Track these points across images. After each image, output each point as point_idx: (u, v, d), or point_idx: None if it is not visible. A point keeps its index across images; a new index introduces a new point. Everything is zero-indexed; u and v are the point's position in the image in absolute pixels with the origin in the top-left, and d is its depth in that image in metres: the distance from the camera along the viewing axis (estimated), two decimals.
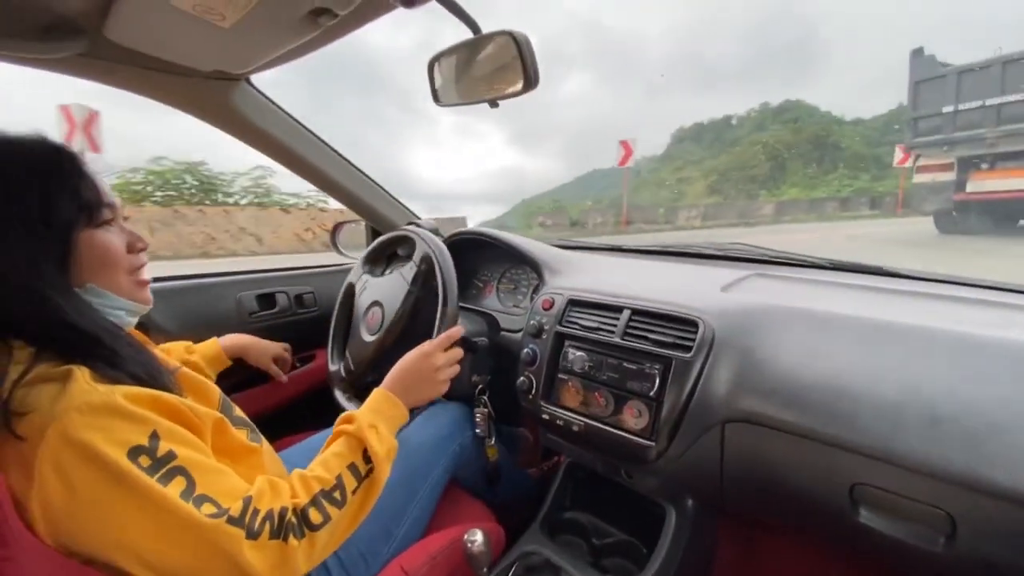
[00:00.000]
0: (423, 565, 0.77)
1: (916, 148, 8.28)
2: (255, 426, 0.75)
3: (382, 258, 1.14)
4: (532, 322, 1.00)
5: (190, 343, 1.01)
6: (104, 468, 0.46)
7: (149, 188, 9.61)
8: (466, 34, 0.69)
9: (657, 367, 0.80)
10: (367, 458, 0.65)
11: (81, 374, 0.49)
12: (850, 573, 0.90)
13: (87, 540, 0.48)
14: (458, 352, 0.87)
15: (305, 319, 1.36)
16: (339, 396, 1.03)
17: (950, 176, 7.77)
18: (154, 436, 0.49)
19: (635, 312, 0.87)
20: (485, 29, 0.67)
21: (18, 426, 0.46)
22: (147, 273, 0.65)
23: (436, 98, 0.80)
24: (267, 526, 0.53)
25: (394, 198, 1.40)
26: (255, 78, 1.01)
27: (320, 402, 1.19)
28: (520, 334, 1.07)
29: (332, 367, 1.08)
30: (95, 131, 5.97)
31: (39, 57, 0.78)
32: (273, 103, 1.07)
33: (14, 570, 0.45)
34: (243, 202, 10.36)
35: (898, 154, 14.11)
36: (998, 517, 0.53)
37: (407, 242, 1.08)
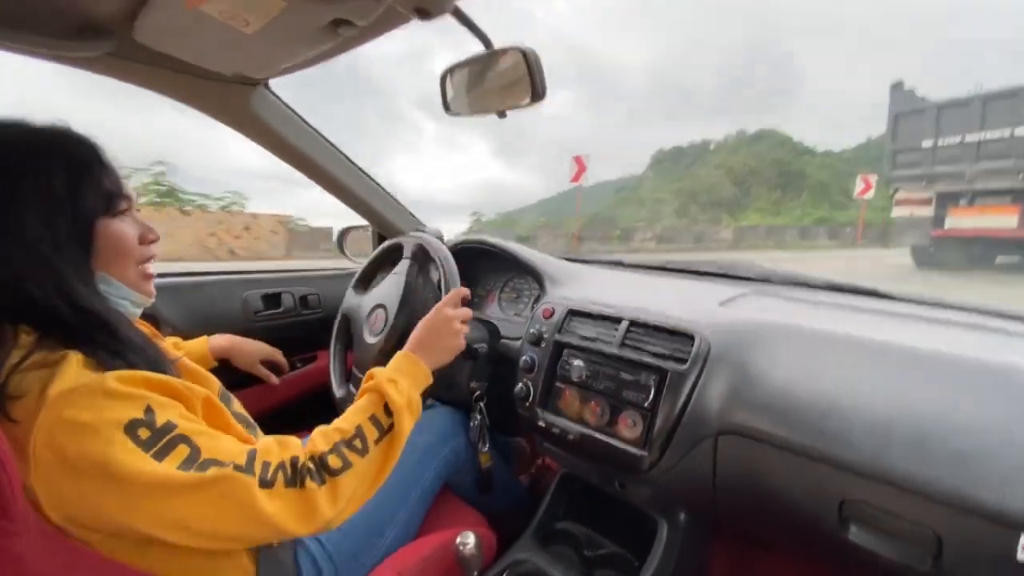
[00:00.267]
0: (415, 567, 0.78)
1: (895, 182, 8.23)
2: (254, 423, 0.75)
3: (372, 277, 1.16)
4: (532, 330, 1.02)
5: (179, 339, 1.00)
6: (100, 445, 0.46)
7: None
8: (477, 47, 0.72)
9: (653, 378, 0.81)
10: (388, 411, 0.66)
11: (75, 359, 0.49)
12: None
13: (95, 513, 0.48)
14: (467, 311, 0.88)
15: (309, 320, 1.38)
16: (335, 376, 1.04)
17: (928, 211, 7.71)
18: (149, 410, 0.49)
19: (633, 323, 0.88)
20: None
21: (12, 410, 0.47)
22: (153, 267, 0.66)
23: (447, 107, 0.83)
24: (280, 475, 0.54)
25: (402, 205, 1.43)
26: (273, 83, 1.05)
27: (320, 403, 1.21)
28: (520, 342, 1.08)
29: (338, 393, 1.08)
30: None
31: (70, 55, 0.82)
32: (290, 108, 1.10)
33: (20, 545, 0.46)
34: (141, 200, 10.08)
35: (859, 184, 13.94)
36: (983, 538, 0.53)
37: (397, 250, 1.12)
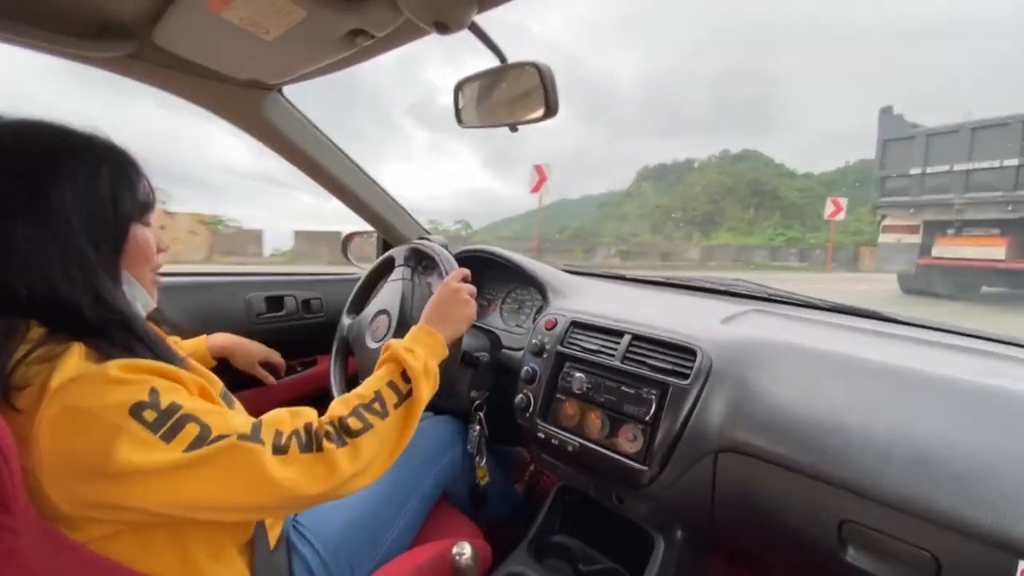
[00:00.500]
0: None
1: (882, 208, 8.18)
2: None
3: (364, 301, 1.16)
4: (534, 341, 1.02)
5: (178, 338, 1.00)
6: (106, 431, 0.46)
7: None
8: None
9: (654, 392, 0.82)
10: (406, 378, 0.67)
11: (78, 350, 0.50)
12: None
13: (101, 499, 0.48)
14: (471, 287, 0.89)
15: (311, 324, 1.39)
16: (335, 386, 1.04)
17: (915, 239, 7.65)
18: (153, 392, 0.49)
19: (635, 337, 0.89)
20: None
21: (17, 400, 0.47)
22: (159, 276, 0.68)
23: (459, 119, 0.84)
24: (294, 441, 0.54)
25: (408, 213, 1.44)
26: (286, 89, 1.06)
27: (319, 407, 1.20)
28: (520, 352, 1.09)
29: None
30: None
31: (90, 55, 0.83)
32: (301, 114, 1.12)
33: (18, 541, 0.45)
34: None
35: (829, 206, 13.78)
36: (981, 560, 0.53)
37: (388, 265, 1.14)
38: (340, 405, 0.62)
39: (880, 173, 8.08)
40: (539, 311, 1.24)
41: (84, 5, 0.73)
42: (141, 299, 0.63)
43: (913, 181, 7.55)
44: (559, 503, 1.06)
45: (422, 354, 0.71)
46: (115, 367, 0.49)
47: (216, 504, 0.50)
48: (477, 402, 1.07)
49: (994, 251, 6.82)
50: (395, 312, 1.02)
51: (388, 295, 1.08)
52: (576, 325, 0.99)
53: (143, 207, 0.61)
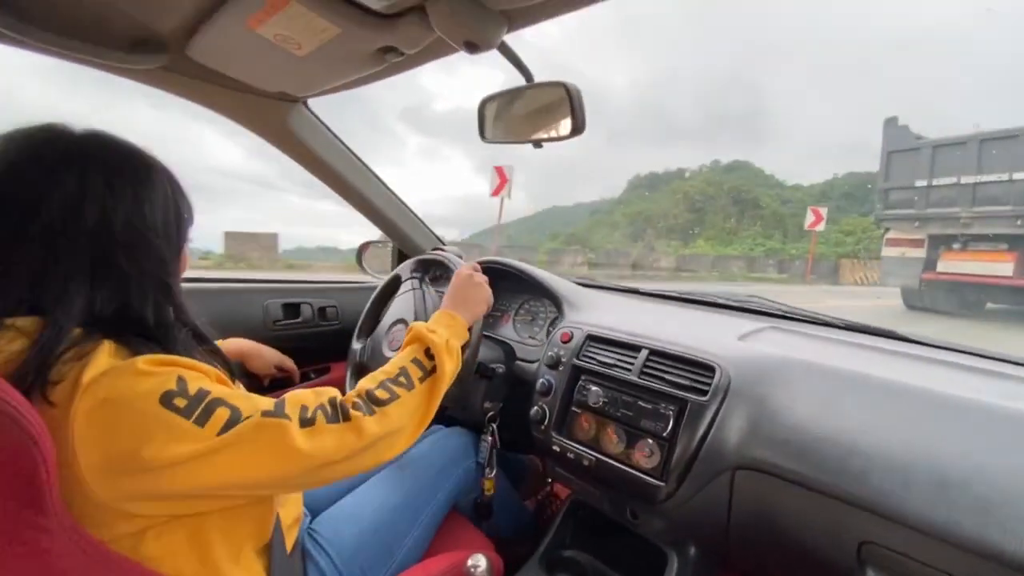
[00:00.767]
0: None
1: (886, 221, 8.01)
2: None
3: (372, 326, 1.17)
4: (550, 353, 1.03)
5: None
6: (139, 420, 0.48)
7: None
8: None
9: (672, 408, 0.82)
10: (430, 355, 0.69)
11: (107, 347, 0.51)
12: None
13: (140, 487, 0.49)
14: (483, 276, 0.91)
15: (326, 332, 1.40)
16: None
17: (920, 253, 7.48)
18: (181, 380, 0.51)
19: (653, 352, 0.89)
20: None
21: (51, 394, 0.48)
22: None
23: (483, 134, 0.86)
24: (320, 413, 0.56)
25: (424, 224, 1.46)
26: (311, 102, 1.09)
27: None
28: (535, 364, 1.09)
29: None
30: None
31: (123, 67, 0.86)
32: (325, 126, 1.14)
33: (50, 541, 0.46)
34: None
35: (809, 216, 13.46)
36: None
37: (394, 284, 1.16)
38: (367, 380, 0.64)
39: (884, 185, 7.94)
40: (552, 323, 1.24)
41: (122, 19, 0.75)
42: None
43: (918, 193, 7.40)
44: (571, 517, 1.06)
45: (444, 333, 0.73)
46: (142, 361, 0.50)
47: (247, 481, 0.52)
48: (491, 413, 1.07)
49: (1002, 267, 6.66)
50: (411, 319, 1.03)
51: (402, 305, 1.10)
52: (592, 339, 1.00)
53: (189, 225, 0.64)
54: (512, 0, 0.59)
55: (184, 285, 0.70)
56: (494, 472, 1.04)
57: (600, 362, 0.95)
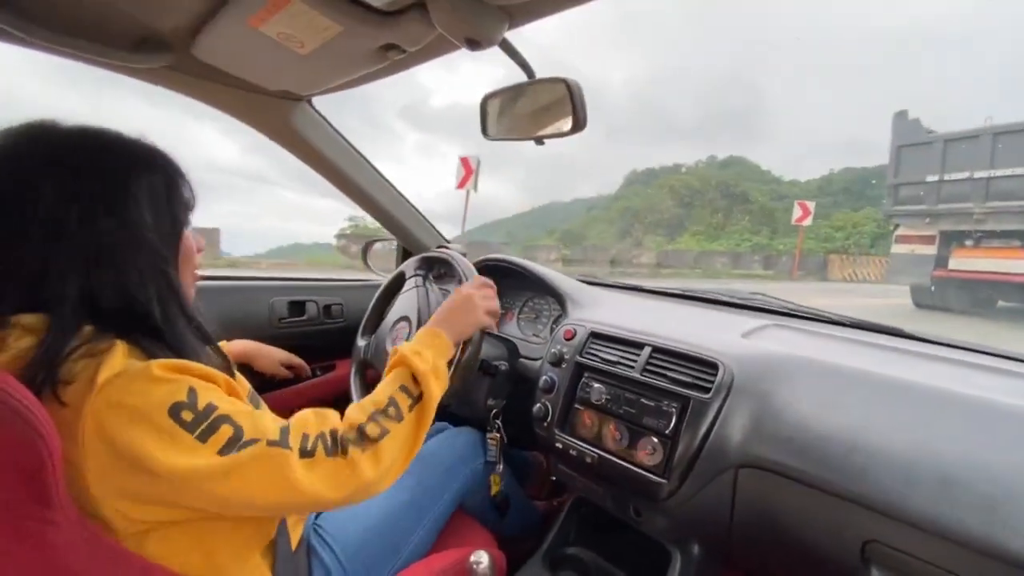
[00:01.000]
0: None
1: (895, 217, 7.79)
2: None
3: (377, 323, 1.18)
4: (553, 350, 1.03)
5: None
6: (147, 429, 0.48)
7: None
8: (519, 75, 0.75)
9: (674, 406, 0.82)
10: (416, 380, 0.69)
11: (121, 348, 0.51)
12: None
13: (141, 492, 0.50)
14: (490, 290, 0.90)
15: (331, 329, 1.41)
16: (356, 397, 1.05)
17: (931, 250, 7.28)
18: (192, 391, 0.51)
19: (656, 349, 0.89)
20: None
21: (63, 394, 0.49)
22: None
23: (485, 131, 0.86)
24: (320, 445, 0.56)
25: (429, 223, 1.46)
26: (315, 100, 1.09)
27: (338, 411, 1.22)
28: (538, 362, 1.09)
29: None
30: None
31: (128, 66, 0.86)
32: (329, 124, 1.15)
33: (56, 534, 0.47)
34: None
35: (796, 211, 12.92)
36: None
37: (399, 281, 1.16)
38: (356, 411, 0.63)
39: (894, 180, 7.71)
40: (556, 321, 1.25)
41: (127, 18, 0.76)
42: None
43: (929, 189, 7.19)
44: (574, 514, 1.06)
45: (429, 356, 0.72)
46: (157, 367, 0.51)
47: (247, 503, 0.52)
48: (494, 411, 1.07)
49: (1015, 264, 6.51)
50: (414, 316, 1.03)
51: (405, 303, 1.10)
52: (595, 336, 0.99)
53: (189, 209, 0.63)
54: None
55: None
56: (501, 467, 1.04)
57: (603, 359, 0.95)
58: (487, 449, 1.03)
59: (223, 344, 1.04)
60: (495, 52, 0.68)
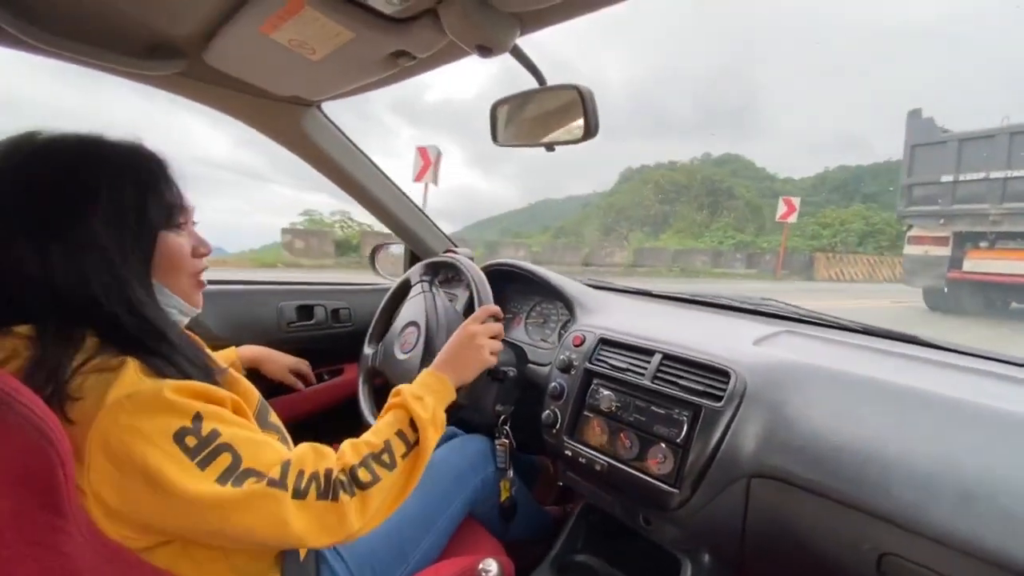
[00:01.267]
0: None
1: (908, 217, 7.66)
2: (288, 437, 0.77)
3: (384, 330, 1.17)
4: (562, 357, 1.02)
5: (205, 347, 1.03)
6: (151, 453, 0.48)
7: None
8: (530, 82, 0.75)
9: (686, 414, 0.81)
10: (414, 427, 0.68)
11: (133, 365, 0.51)
12: None
13: (139, 515, 0.50)
14: (497, 326, 0.89)
15: (339, 333, 1.41)
16: (365, 411, 1.05)
17: (944, 251, 7.15)
18: (197, 417, 0.51)
19: (666, 357, 0.88)
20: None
21: (70, 411, 0.49)
22: (205, 278, 0.69)
23: (495, 138, 0.86)
24: (313, 486, 0.56)
25: (436, 227, 1.46)
26: (325, 105, 1.09)
27: (346, 415, 1.22)
28: (547, 368, 1.09)
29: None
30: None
31: (140, 73, 0.87)
32: (338, 129, 1.15)
33: (69, 543, 0.47)
34: None
35: (781, 207, 12.42)
36: None
37: (404, 289, 1.16)
38: (351, 452, 0.63)
39: (907, 180, 7.58)
40: (564, 326, 1.24)
41: (140, 26, 0.76)
42: (177, 306, 0.64)
43: (943, 189, 7.08)
44: (583, 521, 1.05)
45: (431, 403, 0.72)
46: (168, 388, 0.51)
47: (236, 537, 0.53)
48: (503, 416, 1.07)
49: None
50: (422, 322, 1.03)
51: (413, 308, 1.10)
52: (605, 342, 0.99)
53: (170, 213, 0.61)
54: (525, 3, 0.59)
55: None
56: (511, 473, 1.04)
57: (613, 366, 0.94)
58: (496, 456, 1.02)
59: (233, 349, 1.06)
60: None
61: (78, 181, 0.55)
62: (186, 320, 0.67)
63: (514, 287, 1.36)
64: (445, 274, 1.19)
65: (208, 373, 0.59)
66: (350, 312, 1.44)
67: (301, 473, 0.56)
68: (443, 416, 0.73)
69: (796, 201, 12.41)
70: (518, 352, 1.19)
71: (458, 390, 0.80)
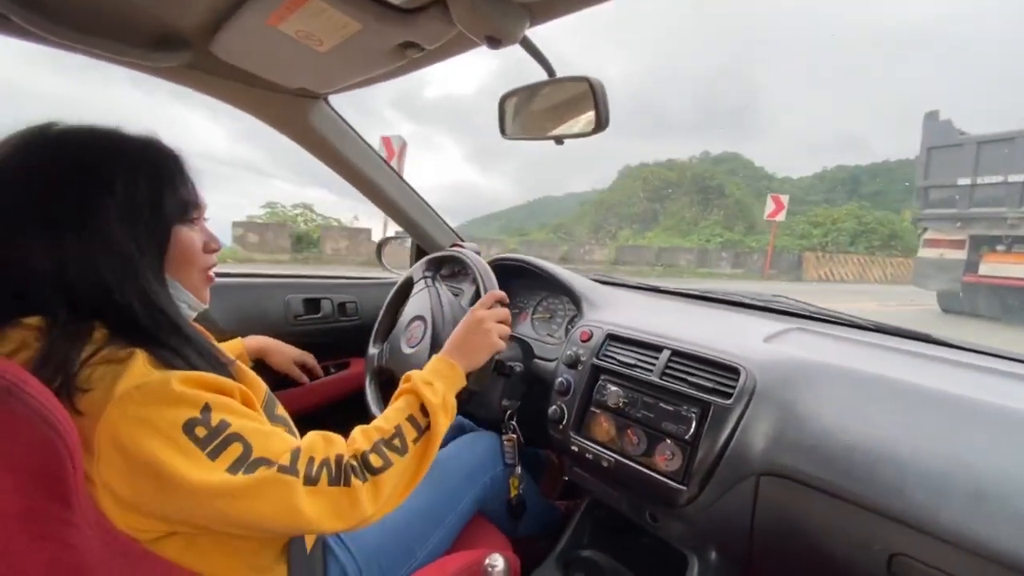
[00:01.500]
0: None
1: (924, 220, 7.65)
2: (295, 429, 0.77)
3: (389, 329, 1.16)
4: (569, 352, 1.01)
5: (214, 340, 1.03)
6: (161, 444, 0.48)
7: None
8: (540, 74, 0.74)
9: (695, 411, 0.80)
10: (425, 412, 0.68)
11: (142, 357, 0.51)
12: None
13: (149, 505, 0.50)
14: (504, 311, 0.89)
15: (346, 327, 1.41)
16: (373, 408, 1.05)
17: (960, 254, 7.14)
18: (206, 408, 0.51)
19: (675, 353, 0.87)
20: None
21: (79, 402, 0.49)
22: (214, 273, 0.69)
23: (503, 130, 0.85)
24: (324, 472, 0.56)
25: (444, 221, 1.46)
26: (332, 98, 1.09)
27: (352, 408, 1.22)
28: (553, 363, 1.08)
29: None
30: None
31: (147, 64, 0.87)
32: (346, 122, 1.14)
33: (77, 535, 0.47)
34: None
35: (769, 205, 12.10)
36: None
37: (407, 286, 1.16)
38: (362, 438, 0.63)
39: (923, 183, 7.54)
40: (571, 321, 1.23)
41: (147, 17, 0.76)
42: (187, 301, 0.64)
43: (961, 192, 7.04)
44: (588, 517, 1.05)
45: (441, 388, 0.72)
46: (176, 380, 0.51)
47: (249, 525, 0.53)
48: (509, 411, 1.07)
49: None
50: (428, 316, 1.03)
51: (418, 303, 1.10)
52: (612, 338, 0.98)
53: (184, 208, 0.61)
54: None
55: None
56: (519, 468, 1.04)
57: (620, 362, 0.93)
58: (504, 452, 1.02)
59: (239, 340, 1.06)
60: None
61: (93, 174, 0.55)
62: (194, 315, 0.67)
63: (520, 282, 1.36)
64: (450, 269, 1.19)
65: (217, 365, 0.59)
66: (356, 306, 1.45)
67: (312, 460, 0.56)
68: (454, 401, 0.73)
69: (784, 199, 12.14)
70: (524, 347, 1.18)
71: (467, 376, 0.80)
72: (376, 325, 1.19)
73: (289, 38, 0.73)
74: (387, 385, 1.10)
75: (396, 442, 0.63)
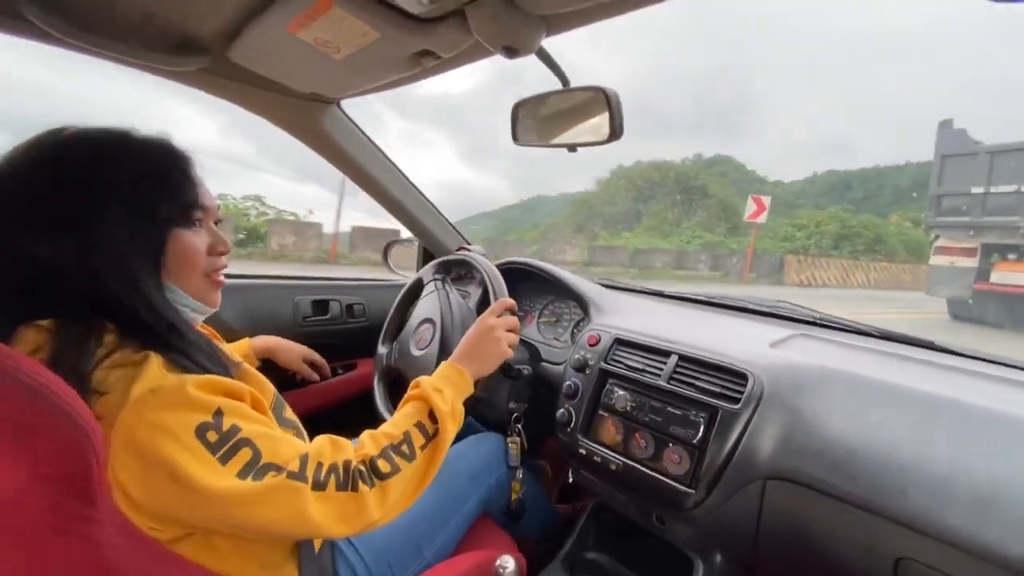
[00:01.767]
0: None
1: (936, 228, 7.71)
2: (303, 431, 0.77)
3: (398, 330, 1.18)
4: (576, 356, 1.02)
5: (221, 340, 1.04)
6: (175, 448, 0.49)
7: None
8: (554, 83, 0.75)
9: (702, 415, 0.81)
10: (433, 418, 0.69)
11: (156, 360, 0.52)
12: None
13: (163, 508, 0.51)
14: (513, 319, 0.90)
15: (354, 329, 1.42)
16: (382, 408, 1.06)
17: (972, 262, 7.23)
18: (218, 413, 0.52)
19: (683, 358, 0.89)
20: None
21: (95, 405, 0.49)
22: (222, 276, 0.68)
23: (515, 138, 0.86)
24: (332, 477, 0.56)
25: (451, 224, 1.47)
26: (344, 103, 1.10)
27: (360, 409, 1.23)
28: (560, 367, 1.09)
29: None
30: None
31: (165, 68, 0.88)
32: (357, 127, 1.15)
33: (100, 533, 0.48)
34: None
35: (750, 206, 11.79)
36: None
37: (417, 288, 1.17)
38: (370, 443, 0.63)
39: (936, 191, 7.61)
40: (577, 325, 1.24)
41: (168, 23, 0.77)
42: (190, 305, 0.63)
43: (973, 201, 7.10)
44: (594, 519, 1.06)
45: (450, 395, 0.73)
46: (191, 384, 0.51)
47: (258, 529, 0.54)
48: (515, 414, 1.07)
49: None
50: (437, 319, 1.04)
51: (428, 305, 1.11)
52: (620, 342, 0.99)
53: (184, 210, 0.60)
54: (553, 5, 0.59)
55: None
56: (522, 472, 1.04)
57: (628, 366, 0.94)
58: (508, 454, 1.03)
59: (247, 340, 1.07)
60: None
61: (93, 176, 0.55)
62: (200, 319, 0.67)
63: (527, 285, 1.37)
64: (457, 272, 1.20)
65: (225, 369, 0.60)
66: (364, 308, 1.46)
67: (320, 465, 0.56)
68: (461, 408, 0.74)
69: (767, 200, 11.85)
70: (532, 350, 1.19)
71: (475, 383, 0.81)
72: (386, 324, 1.20)
73: (307, 45, 0.74)
74: (395, 385, 1.11)
75: (404, 448, 0.64)
